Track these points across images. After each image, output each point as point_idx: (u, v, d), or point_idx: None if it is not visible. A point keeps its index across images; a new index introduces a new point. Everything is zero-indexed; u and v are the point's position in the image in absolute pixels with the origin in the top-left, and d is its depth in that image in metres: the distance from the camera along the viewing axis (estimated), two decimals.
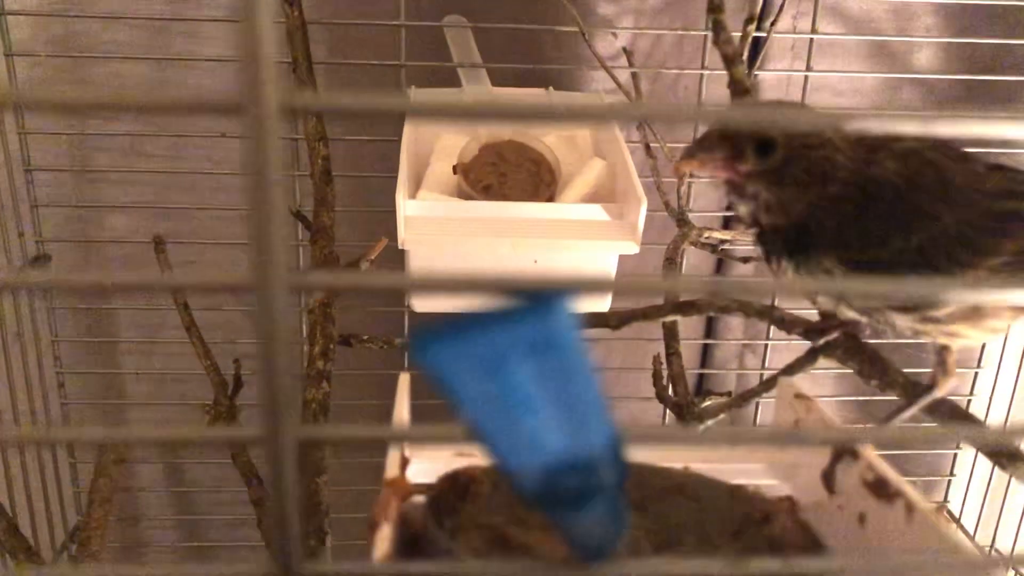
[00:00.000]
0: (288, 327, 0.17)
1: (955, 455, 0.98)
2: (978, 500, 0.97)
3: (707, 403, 0.62)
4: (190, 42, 0.81)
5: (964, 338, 0.38)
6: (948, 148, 0.40)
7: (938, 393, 0.39)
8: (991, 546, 0.92)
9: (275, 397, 0.17)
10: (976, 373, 0.95)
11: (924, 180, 0.38)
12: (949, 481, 1.00)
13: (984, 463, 0.92)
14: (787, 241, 0.40)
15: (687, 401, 0.59)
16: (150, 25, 0.79)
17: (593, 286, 0.20)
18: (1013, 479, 0.52)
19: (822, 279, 0.38)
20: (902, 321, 0.39)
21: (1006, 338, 0.92)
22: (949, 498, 1.00)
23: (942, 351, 0.39)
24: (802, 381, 0.96)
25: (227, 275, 0.17)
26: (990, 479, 0.93)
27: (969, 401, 0.95)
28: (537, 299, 0.15)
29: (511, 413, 0.16)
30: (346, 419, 0.81)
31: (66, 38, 0.80)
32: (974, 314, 0.39)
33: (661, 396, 0.62)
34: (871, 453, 0.33)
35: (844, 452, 0.35)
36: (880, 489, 0.32)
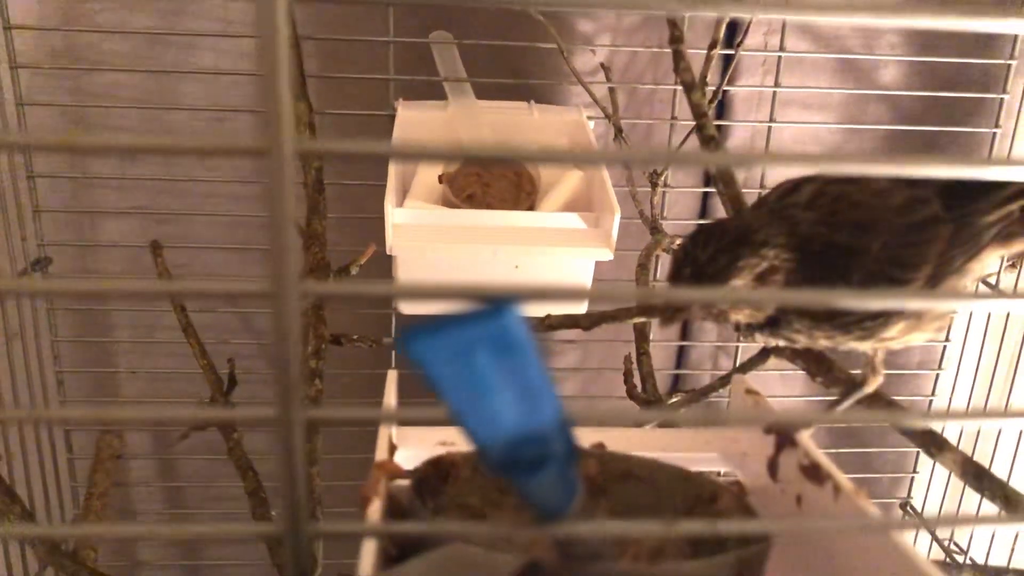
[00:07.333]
0: (298, 327, 0.21)
1: (917, 453, 1.02)
2: (939, 496, 1.01)
3: (673, 399, 0.66)
4: (184, 53, 0.84)
5: (896, 342, 0.42)
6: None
7: (867, 390, 0.43)
8: (950, 539, 0.97)
9: (287, 383, 0.21)
10: (937, 375, 0.99)
11: (841, 218, 0.40)
12: (912, 479, 1.04)
13: None
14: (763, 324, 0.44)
15: (656, 398, 0.63)
16: (146, 37, 0.83)
17: (556, 295, 0.23)
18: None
19: (774, 293, 0.41)
20: (848, 342, 0.43)
21: (964, 341, 0.96)
22: (912, 495, 1.04)
23: (872, 354, 0.43)
24: (773, 383, 1.00)
25: (248, 284, 0.21)
26: (949, 476, 0.98)
27: (931, 402, 1.00)
28: (496, 304, 0.19)
29: (478, 394, 0.20)
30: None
31: (66, 50, 0.83)
32: (911, 325, 0.42)
33: (631, 393, 0.66)
34: (807, 441, 0.37)
35: (786, 443, 0.39)
36: (813, 473, 0.36)
